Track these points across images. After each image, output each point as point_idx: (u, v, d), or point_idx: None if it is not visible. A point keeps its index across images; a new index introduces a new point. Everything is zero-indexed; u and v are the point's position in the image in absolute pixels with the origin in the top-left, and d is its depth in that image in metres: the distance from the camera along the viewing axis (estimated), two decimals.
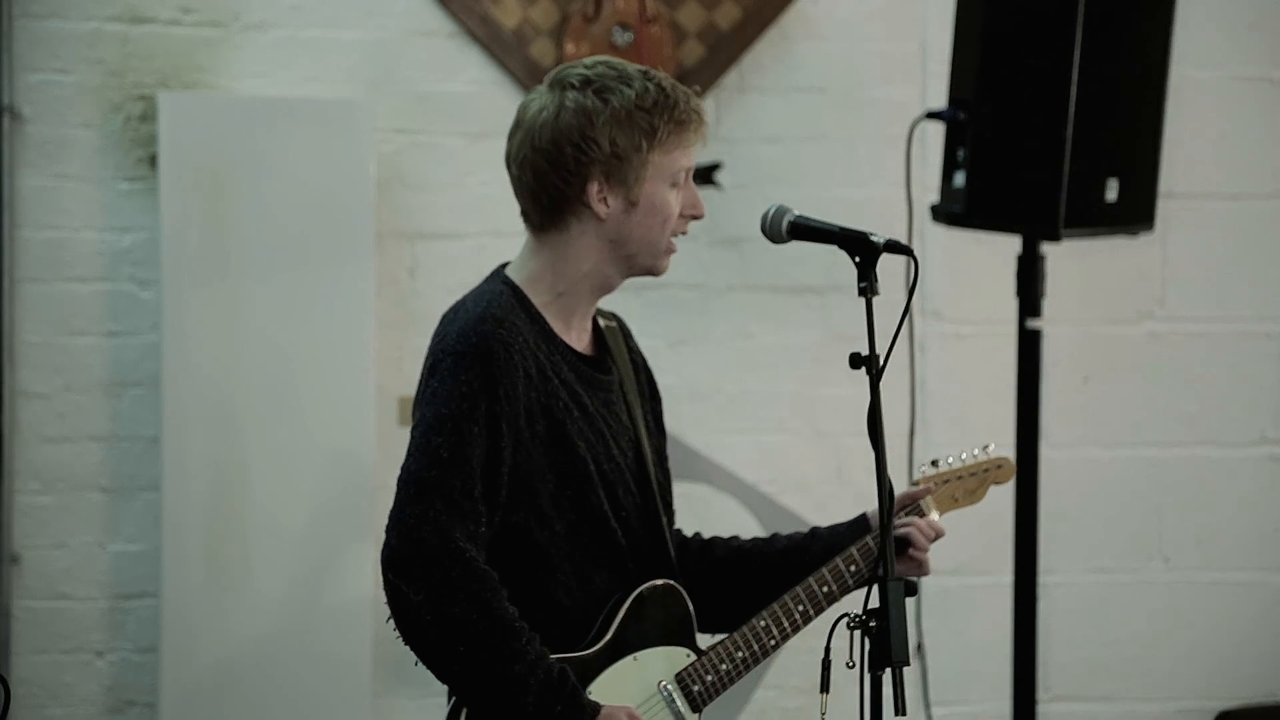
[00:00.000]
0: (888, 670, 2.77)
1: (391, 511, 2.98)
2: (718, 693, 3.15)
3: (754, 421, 5.06)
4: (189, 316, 4.66)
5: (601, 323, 3.23)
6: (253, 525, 4.67)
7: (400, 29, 4.89)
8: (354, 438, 4.73)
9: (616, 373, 3.19)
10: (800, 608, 3.18)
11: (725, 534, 3.40)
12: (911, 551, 3.24)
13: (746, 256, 5.00)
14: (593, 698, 3.02)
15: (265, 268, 4.68)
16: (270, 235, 4.68)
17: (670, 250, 3.12)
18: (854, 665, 2.84)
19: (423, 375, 3.09)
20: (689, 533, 3.36)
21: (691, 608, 3.17)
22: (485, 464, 2.97)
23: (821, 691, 2.89)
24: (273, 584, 4.68)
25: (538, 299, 3.10)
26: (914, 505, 3.30)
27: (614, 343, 3.22)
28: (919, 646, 4.96)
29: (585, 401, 3.09)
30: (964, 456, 3.38)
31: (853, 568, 3.22)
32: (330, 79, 4.86)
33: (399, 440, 4.80)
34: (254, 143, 4.69)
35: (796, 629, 3.20)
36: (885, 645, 2.76)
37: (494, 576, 2.95)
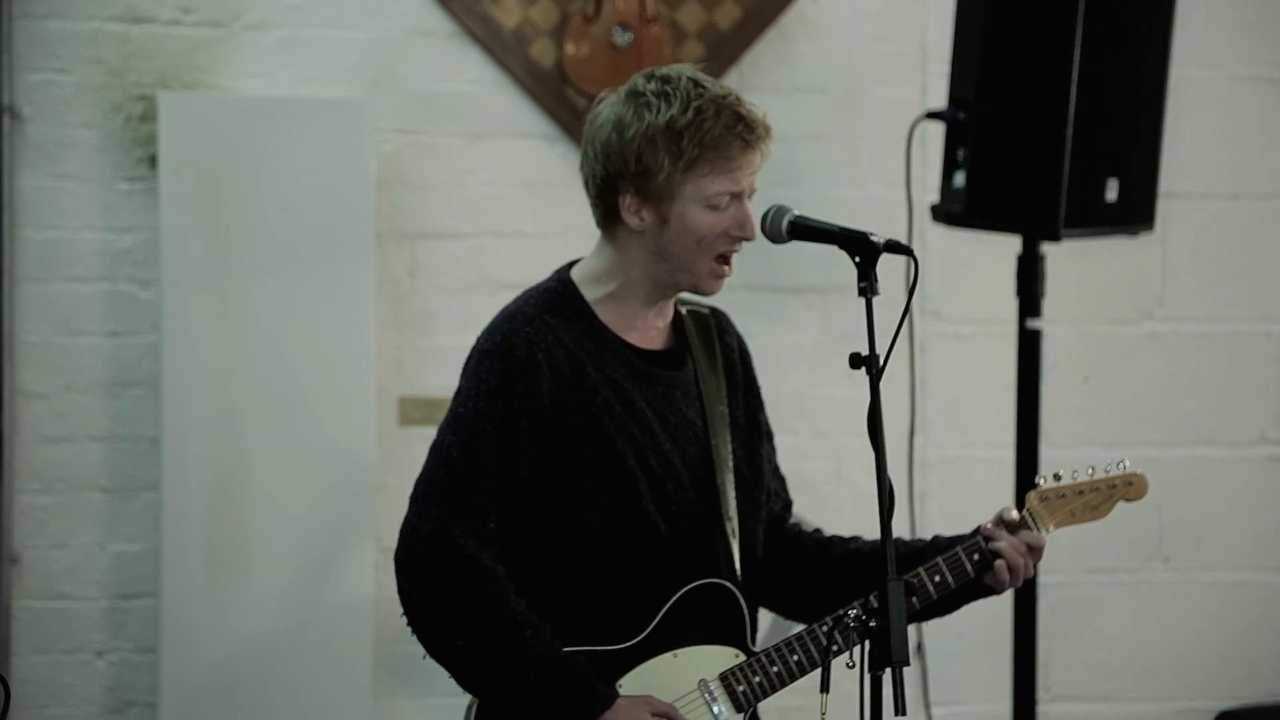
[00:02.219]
0: (888, 670, 2.76)
1: (405, 514, 3.05)
2: (766, 694, 3.13)
3: None
4: (189, 316, 4.66)
5: (687, 314, 3.22)
6: (253, 525, 4.67)
7: (400, 29, 4.89)
8: (354, 438, 4.73)
9: (691, 368, 3.18)
10: (832, 625, 3.15)
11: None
12: (997, 563, 3.17)
13: (746, 256, 4.95)
14: (624, 692, 3.04)
15: (265, 268, 4.68)
16: (270, 235, 4.68)
17: (716, 274, 3.10)
18: (854, 665, 2.84)
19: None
20: (825, 530, 3.35)
21: (745, 608, 3.15)
22: (499, 461, 3.01)
23: (821, 691, 2.89)
24: (273, 584, 4.68)
25: (593, 295, 3.12)
26: (1007, 523, 3.21)
27: (698, 337, 3.22)
28: (919, 646, 4.96)
29: (632, 397, 3.09)
30: (1090, 471, 3.29)
31: (937, 578, 3.19)
32: (330, 79, 4.86)
33: (399, 440, 4.84)
34: (254, 143, 4.69)
35: (832, 645, 3.15)
36: (885, 645, 2.76)
37: (498, 572, 2.99)
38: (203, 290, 4.66)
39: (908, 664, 2.77)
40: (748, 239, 3.09)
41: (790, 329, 5.05)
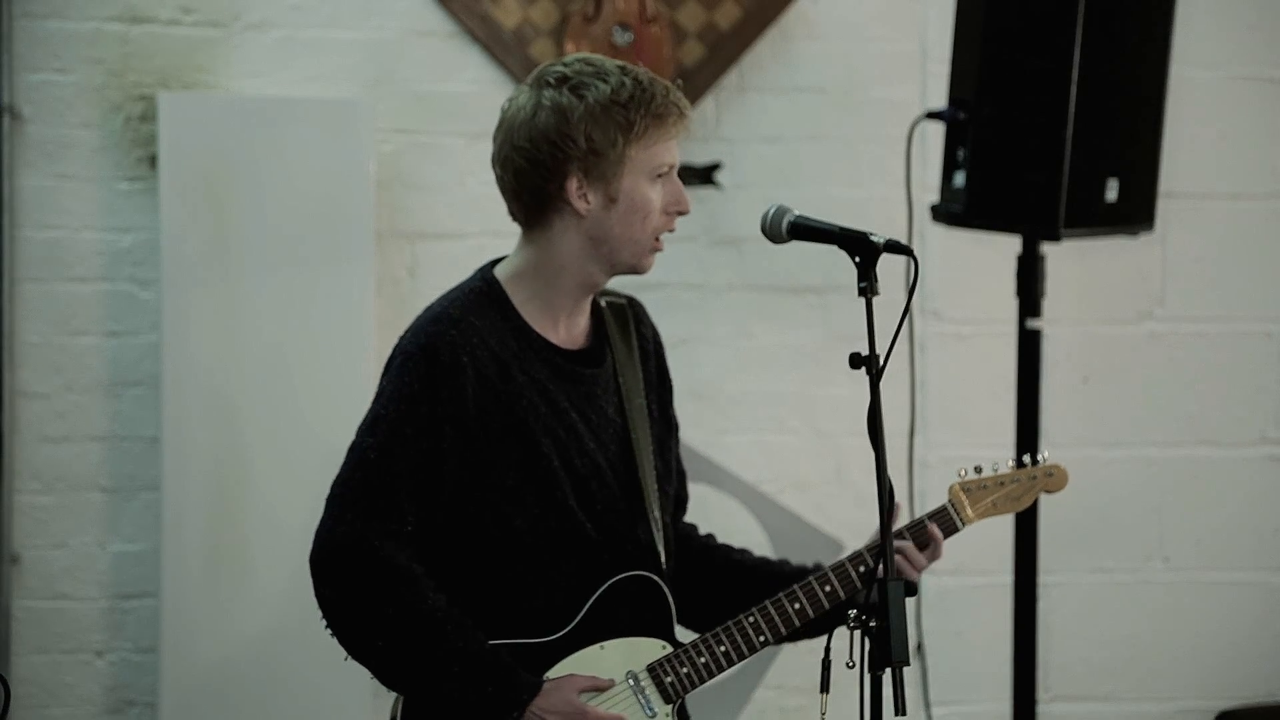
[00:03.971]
0: (888, 670, 2.77)
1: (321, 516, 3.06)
2: (694, 685, 3.16)
3: (754, 421, 5.06)
4: (189, 316, 4.66)
5: (606, 305, 3.24)
6: (253, 525, 4.68)
7: (400, 29, 4.89)
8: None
9: (611, 363, 3.20)
10: (796, 605, 3.18)
11: (729, 536, 3.40)
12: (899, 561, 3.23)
13: (746, 256, 5.00)
14: None
15: (265, 268, 4.68)
16: (270, 235, 4.69)
17: (655, 249, 3.13)
18: (854, 665, 2.84)
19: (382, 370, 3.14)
20: (703, 532, 3.37)
21: (671, 602, 3.18)
22: (419, 464, 3.03)
23: (821, 691, 2.90)
24: (273, 583, 4.68)
25: (518, 295, 3.13)
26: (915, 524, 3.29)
27: (616, 330, 3.23)
28: (919, 646, 4.96)
29: (556, 397, 3.11)
30: (1009, 463, 3.38)
31: (862, 568, 3.22)
32: (330, 79, 4.86)
33: None
34: (254, 143, 4.69)
35: (790, 627, 3.19)
36: (885, 645, 2.76)
37: (414, 571, 3.02)
38: (203, 290, 4.67)
39: (908, 664, 2.77)
40: (685, 212, 3.14)
41: (790, 329, 5.05)
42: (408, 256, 4.91)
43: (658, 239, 3.13)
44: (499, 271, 3.16)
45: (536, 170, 3.08)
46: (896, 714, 2.79)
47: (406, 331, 3.12)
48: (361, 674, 4.69)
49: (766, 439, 5.06)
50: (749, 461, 5.03)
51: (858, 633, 2.81)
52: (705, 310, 5.00)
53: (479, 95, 4.92)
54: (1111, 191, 4.49)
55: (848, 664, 2.87)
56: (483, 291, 3.12)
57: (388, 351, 4.83)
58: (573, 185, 3.07)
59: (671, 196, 3.11)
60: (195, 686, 4.66)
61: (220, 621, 4.66)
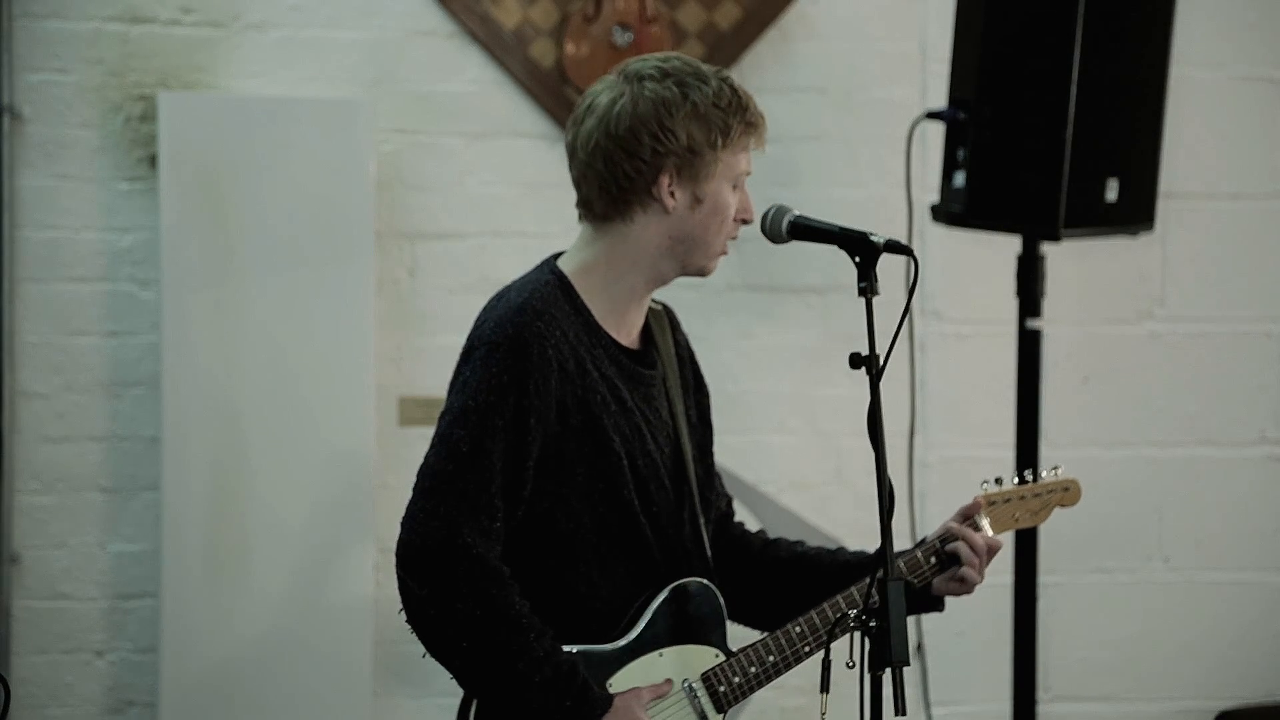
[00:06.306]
0: (888, 670, 2.77)
1: (408, 503, 2.98)
2: (745, 695, 3.13)
3: (754, 421, 5.06)
4: (189, 316, 4.66)
5: (648, 312, 3.23)
6: (252, 525, 4.68)
7: (400, 29, 4.90)
8: (354, 437, 4.73)
9: (660, 366, 3.19)
10: (838, 615, 3.16)
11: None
12: (963, 566, 3.21)
13: (746, 256, 5.00)
14: (612, 691, 3.03)
15: (265, 268, 4.68)
16: (270, 235, 4.69)
17: (723, 253, 3.13)
18: (854, 665, 2.84)
19: (458, 361, 3.07)
20: (752, 529, 3.37)
21: (724, 607, 3.16)
22: (508, 458, 2.97)
23: (821, 691, 2.89)
24: (273, 584, 4.68)
25: (586, 290, 3.10)
26: (969, 520, 3.26)
27: (660, 334, 3.23)
28: (919, 646, 4.96)
29: (624, 396, 3.09)
30: (1028, 476, 3.35)
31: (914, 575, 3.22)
32: (330, 79, 4.86)
33: (399, 440, 4.84)
34: (254, 143, 4.69)
35: (834, 637, 3.16)
36: (885, 645, 2.76)
37: (504, 572, 2.96)
38: (203, 290, 4.67)
39: (908, 664, 2.77)
40: (749, 222, 3.13)
41: (790, 329, 5.05)
42: (408, 256, 4.91)
43: (725, 244, 3.14)
44: (563, 265, 3.12)
45: (631, 160, 3.05)
46: (896, 714, 2.79)
47: (485, 321, 3.05)
48: (361, 674, 4.72)
49: (766, 439, 5.06)
50: (749, 461, 5.03)
51: (858, 633, 2.81)
52: (705, 310, 5.00)
53: (479, 95, 4.92)
54: (1111, 191, 4.49)
55: (848, 664, 2.86)
56: (556, 285, 3.08)
57: (388, 352, 4.87)
58: (665, 180, 3.05)
59: (742, 205, 3.12)
60: (195, 686, 4.67)
61: (220, 621, 4.66)
